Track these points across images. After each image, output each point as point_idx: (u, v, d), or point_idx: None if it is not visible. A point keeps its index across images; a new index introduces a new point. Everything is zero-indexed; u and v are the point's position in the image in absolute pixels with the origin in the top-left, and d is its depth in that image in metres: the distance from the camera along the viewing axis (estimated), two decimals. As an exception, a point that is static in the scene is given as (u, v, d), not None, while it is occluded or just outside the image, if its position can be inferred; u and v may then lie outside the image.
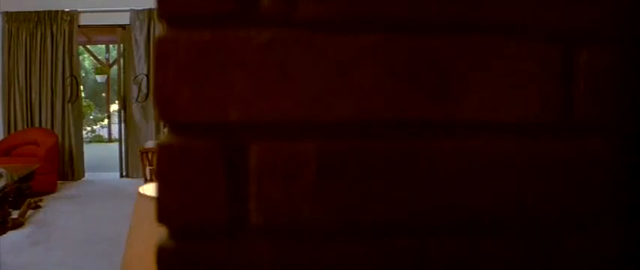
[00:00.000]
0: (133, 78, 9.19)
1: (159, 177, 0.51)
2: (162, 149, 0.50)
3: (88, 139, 9.78)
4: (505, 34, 0.53)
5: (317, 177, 0.52)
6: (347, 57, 0.51)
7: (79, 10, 8.80)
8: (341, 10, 0.51)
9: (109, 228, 6.05)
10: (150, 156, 5.99)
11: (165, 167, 0.51)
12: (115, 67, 14.89)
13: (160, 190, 0.51)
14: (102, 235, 5.78)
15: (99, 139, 16.63)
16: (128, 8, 8.94)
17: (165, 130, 0.52)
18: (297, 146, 0.51)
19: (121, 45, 9.55)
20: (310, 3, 0.50)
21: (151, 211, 1.71)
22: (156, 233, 1.72)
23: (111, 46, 14.94)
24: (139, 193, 1.80)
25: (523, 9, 0.53)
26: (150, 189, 1.86)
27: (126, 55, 9.42)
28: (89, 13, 8.87)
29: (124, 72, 9.58)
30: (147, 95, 9.18)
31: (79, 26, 8.93)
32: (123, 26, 9.21)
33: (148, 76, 9.14)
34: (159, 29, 9.00)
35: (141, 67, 9.15)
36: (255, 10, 0.50)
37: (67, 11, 8.77)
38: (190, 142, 0.50)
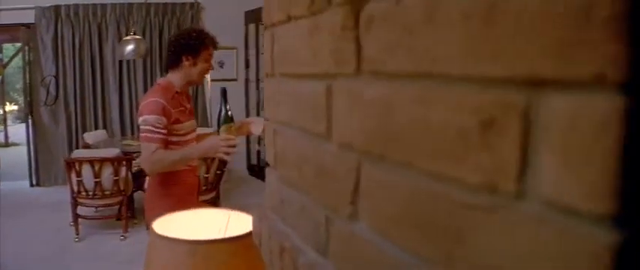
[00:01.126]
0: (40, 80, 8.60)
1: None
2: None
3: (-16, 145, 9.02)
4: None
5: None
6: None
7: (-22, 8, 8.10)
8: None
9: (38, 247, 5.63)
10: (78, 167, 5.59)
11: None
12: (9, 67, 13.90)
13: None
14: (34, 255, 5.37)
15: (-6, 144, 15.47)
16: (33, 5, 8.32)
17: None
18: None
19: (29, 44, 8.84)
20: None
21: (174, 255, 1.56)
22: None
23: (4, 45, 13.88)
24: (153, 231, 1.63)
25: None
26: (163, 227, 1.68)
27: (32, 55, 8.77)
28: (-13, 13, 8.17)
29: (30, 73, 8.91)
30: (56, 98, 8.63)
31: (-22, 27, 8.22)
32: (27, 25, 8.57)
33: (56, 77, 8.58)
34: (67, 28, 8.46)
35: (49, 68, 8.58)
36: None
37: (-34, 11, 8.04)
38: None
